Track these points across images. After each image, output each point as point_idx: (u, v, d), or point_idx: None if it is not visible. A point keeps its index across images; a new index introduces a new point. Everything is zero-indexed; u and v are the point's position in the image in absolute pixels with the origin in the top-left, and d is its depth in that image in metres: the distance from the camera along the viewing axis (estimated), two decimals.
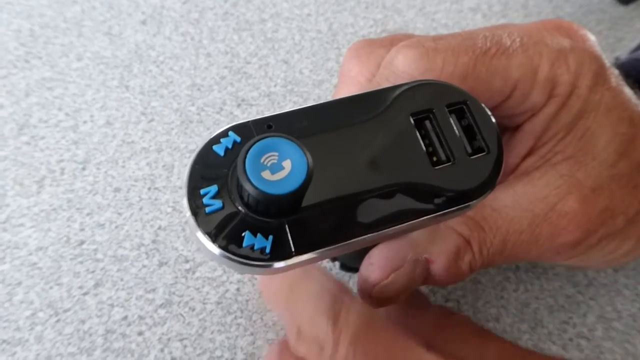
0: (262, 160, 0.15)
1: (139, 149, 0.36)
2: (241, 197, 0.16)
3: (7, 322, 0.29)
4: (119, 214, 0.33)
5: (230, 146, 0.17)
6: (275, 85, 0.40)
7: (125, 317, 0.30)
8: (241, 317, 0.30)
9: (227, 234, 0.16)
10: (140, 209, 0.34)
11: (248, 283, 0.31)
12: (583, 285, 0.32)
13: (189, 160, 0.17)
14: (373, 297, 0.23)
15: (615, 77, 0.25)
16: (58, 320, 0.30)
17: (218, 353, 0.29)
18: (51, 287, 0.31)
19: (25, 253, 0.32)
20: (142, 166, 0.35)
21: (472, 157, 0.18)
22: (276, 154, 0.15)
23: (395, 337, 0.22)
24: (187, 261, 0.32)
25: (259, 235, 0.16)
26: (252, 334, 0.30)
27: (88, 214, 0.33)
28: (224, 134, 0.17)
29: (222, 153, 0.17)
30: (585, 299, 0.32)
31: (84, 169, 0.35)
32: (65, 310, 0.30)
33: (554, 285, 0.32)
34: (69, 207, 0.33)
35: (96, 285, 0.31)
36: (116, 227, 0.33)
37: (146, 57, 0.41)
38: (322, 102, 0.19)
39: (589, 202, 0.23)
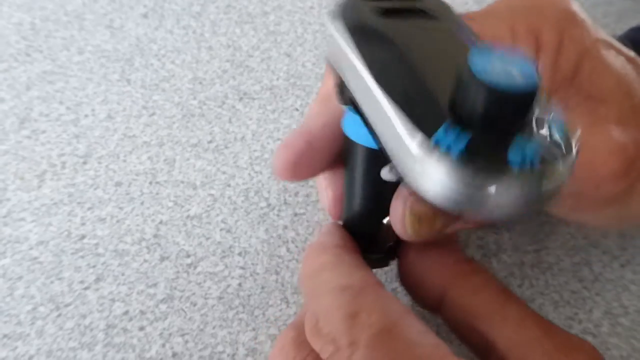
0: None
1: (140, 143, 0.36)
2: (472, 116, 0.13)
3: (8, 317, 0.29)
4: (120, 208, 0.33)
5: None
6: (277, 79, 0.40)
7: (126, 312, 0.30)
8: (243, 313, 0.30)
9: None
10: (142, 203, 0.33)
11: (250, 278, 0.31)
12: (589, 281, 0.32)
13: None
14: (410, 217, 0.20)
15: (594, 26, 0.24)
16: (59, 315, 0.30)
17: (220, 348, 0.29)
18: (52, 282, 0.31)
19: (26, 247, 0.32)
20: (144, 160, 0.35)
21: None
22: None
23: (421, 344, 0.19)
24: (188, 256, 0.32)
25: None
26: (254, 329, 0.29)
27: (89, 208, 0.33)
28: None
29: None
30: (591, 295, 0.32)
31: (85, 163, 0.35)
32: (66, 305, 0.30)
33: (559, 281, 0.32)
34: (70, 202, 0.33)
35: (97, 279, 0.31)
36: (117, 221, 0.33)
37: (148, 51, 0.40)
38: None
39: (619, 133, 0.22)
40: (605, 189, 0.23)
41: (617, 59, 0.24)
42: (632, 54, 0.25)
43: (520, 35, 0.22)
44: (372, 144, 0.20)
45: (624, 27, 0.46)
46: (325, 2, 0.45)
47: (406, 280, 0.25)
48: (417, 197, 0.19)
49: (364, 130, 0.18)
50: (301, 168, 0.24)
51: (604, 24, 0.46)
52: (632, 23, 0.46)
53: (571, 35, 0.23)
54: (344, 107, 0.21)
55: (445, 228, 0.21)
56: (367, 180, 0.22)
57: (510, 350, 0.20)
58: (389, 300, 0.20)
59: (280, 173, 0.24)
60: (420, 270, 0.23)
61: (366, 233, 0.24)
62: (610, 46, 0.24)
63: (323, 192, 0.26)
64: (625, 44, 0.26)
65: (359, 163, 0.22)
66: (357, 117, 0.19)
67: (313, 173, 0.25)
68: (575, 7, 0.24)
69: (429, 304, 0.24)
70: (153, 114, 0.37)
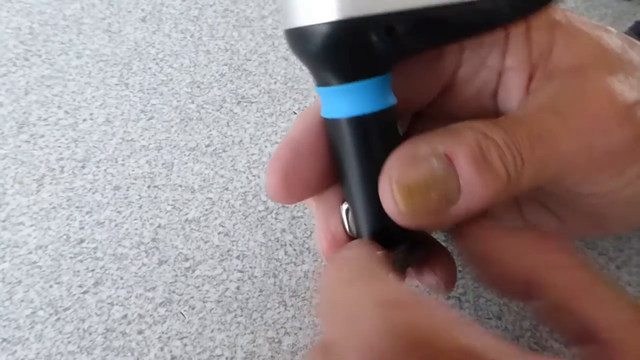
0: None
1: (139, 147, 0.36)
2: None
3: (7, 321, 0.29)
4: (119, 212, 0.33)
5: None
6: (275, 83, 0.40)
7: (125, 316, 0.30)
8: (241, 316, 0.30)
9: None
10: (140, 207, 0.34)
11: (248, 281, 0.31)
12: None
13: None
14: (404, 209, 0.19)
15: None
16: (58, 319, 0.30)
17: (218, 352, 0.29)
18: (51, 286, 0.31)
19: (25, 252, 0.32)
20: (142, 164, 0.35)
21: None
22: None
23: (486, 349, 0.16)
24: (186, 259, 0.32)
25: None
26: (252, 332, 0.29)
27: (88, 213, 0.33)
28: None
29: None
30: None
31: (83, 167, 0.35)
32: (65, 309, 0.30)
33: None
34: (69, 206, 0.33)
35: (96, 283, 0.31)
36: (116, 225, 0.33)
37: (146, 55, 0.41)
38: None
39: (611, 81, 0.21)
40: (614, 135, 0.21)
41: (588, 24, 0.24)
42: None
43: None
44: (355, 112, 0.20)
45: (620, 30, 0.46)
46: None
47: (483, 268, 0.22)
48: (403, 166, 0.19)
49: (344, 100, 0.19)
50: (293, 180, 0.22)
51: None
52: (628, 25, 0.46)
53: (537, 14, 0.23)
54: (321, 91, 0.20)
55: (444, 204, 0.20)
56: (361, 160, 0.21)
57: (612, 332, 0.18)
58: (437, 310, 0.17)
59: (274, 192, 0.22)
60: (500, 255, 0.21)
61: (379, 225, 0.22)
62: (577, 17, 0.24)
63: (318, 231, 0.24)
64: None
65: (348, 143, 0.20)
66: (337, 90, 0.19)
67: (306, 186, 0.23)
68: None
69: (514, 289, 0.22)
70: (151, 117, 0.37)
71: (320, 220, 0.24)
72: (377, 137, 0.20)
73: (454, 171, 0.19)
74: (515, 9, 0.19)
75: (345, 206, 0.23)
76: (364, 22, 0.17)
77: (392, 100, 0.20)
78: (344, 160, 0.21)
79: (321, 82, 0.20)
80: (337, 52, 0.18)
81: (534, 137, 0.20)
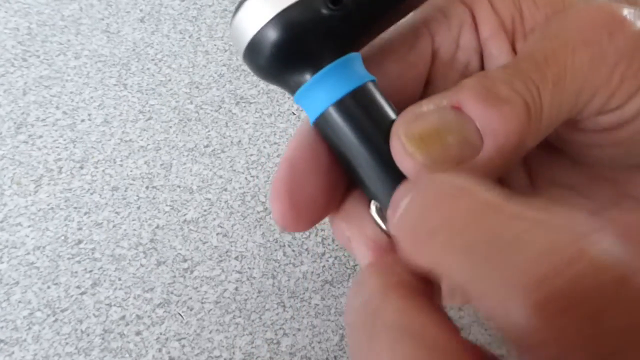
0: None
1: (137, 148, 0.36)
2: None
3: (4, 322, 0.29)
4: (117, 213, 0.33)
5: None
6: None
7: (123, 317, 0.30)
8: (239, 317, 0.30)
9: None
10: (138, 207, 0.34)
11: (246, 282, 0.31)
12: None
13: None
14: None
15: None
16: (56, 320, 0.30)
17: (216, 353, 0.29)
18: (49, 287, 0.31)
19: (23, 252, 0.32)
20: (140, 165, 0.35)
21: None
22: None
23: None
24: (185, 260, 0.32)
25: None
26: (250, 333, 0.29)
27: (86, 213, 0.33)
28: None
29: None
30: None
31: (81, 167, 0.35)
32: (63, 310, 0.30)
33: None
34: (67, 206, 0.33)
35: (94, 284, 0.31)
36: (114, 226, 0.33)
37: (144, 55, 0.40)
38: None
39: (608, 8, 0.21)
40: (622, 41, 0.20)
41: None
42: None
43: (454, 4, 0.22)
44: (334, 97, 0.19)
45: None
46: None
47: None
48: (408, 118, 0.18)
49: (320, 91, 0.19)
50: (300, 201, 0.21)
51: None
52: None
53: None
54: (297, 97, 0.20)
55: (468, 150, 0.18)
56: (366, 143, 0.19)
57: None
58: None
59: (283, 217, 0.20)
60: None
61: None
62: None
63: (357, 248, 0.21)
64: None
65: (345, 132, 0.19)
66: (309, 85, 0.19)
67: (315, 205, 0.21)
68: None
69: None
70: (150, 118, 0.37)
71: (354, 234, 0.21)
72: (370, 113, 0.19)
73: (467, 117, 0.18)
74: None
75: (373, 206, 0.22)
76: (307, 2, 0.17)
77: (369, 76, 0.19)
78: (350, 155, 0.20)
79: (293, 87, 0.19)
80: (293, 41, 0.18)
81: (540, 62, 0.19)
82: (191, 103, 0.38)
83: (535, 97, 0.19)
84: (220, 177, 0.35)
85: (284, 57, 0.18)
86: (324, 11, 0.17)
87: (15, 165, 0.35)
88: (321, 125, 0.19)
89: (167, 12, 0.43)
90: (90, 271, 0.31)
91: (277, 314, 0.30)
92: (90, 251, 0.32)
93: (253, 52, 0.18)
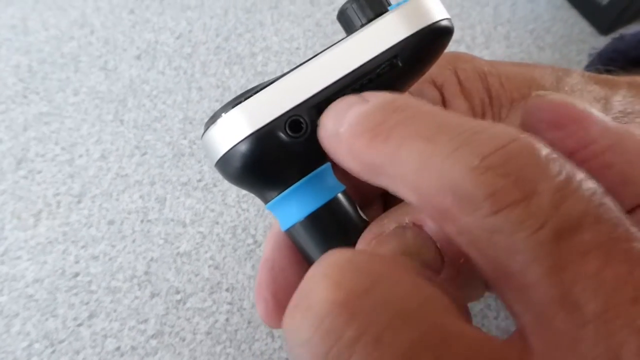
0: None
1: (133, 182, 0.37)
2: None
3: (4, 353, 0.31)
4: (113, 246, 0.35)
5: None
6: None
7: (118, 348, 0.31)
8: (230, 347, 0.31)
9: None
10: (133, 241, 0.35)
11: (237, 313, 0.32)
12: None
13: None
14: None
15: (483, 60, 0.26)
16: (54, 351, 0.31)
17: None
18: (47, 319, 0.32)
19: (23, 285, 0.33)
20: (135, 199, 0.37)
21: None
22: None
23: None
24: (178, 292, 0.33)
25: None
26: None
27: (83, 247, 0.35)
28: None
29: None
30: None
31: (79, 202, 0.36)
32: (61, 341, 0.31)
33: None
34: (65, 240, 0.35)
35: (90, 316, 0.32)
36: (110, 259, 0.34)
37: (140, 92, 0.42)
38: None
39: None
40: None
41: (517, 64, 0.25)
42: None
43: (424, 82, 0.24)
44: (304, 212, 0.19)
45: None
46: (310, 42, 0.47)
47: None
48: (370, 241, 0.18)
49: (290, 206, 0.19)
50: (283, 300, 0.21)
51: (577, 62, 0.48)
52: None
53: (464, 68, 0.24)
54: (269, 207, 0.20)
55: (430, 271, 0.17)
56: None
57: None
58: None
59: (268, 316, 0.21)
60: None
61: None
62: (503, 62, 0.26)
63: None
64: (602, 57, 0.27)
65: (311, 245, 0.20)
66: (279, 200, 0.19)
67: None
68: (461, 53, 0.26)
69: None
70: (145, 153, 0.39)
71: None
72: (338, 226, 0.20)
73: (427, 238, 0.18)
74: (407, 64, 0.19)
75: None
76: (268, 130, 0.18)
77: (338, 187, 0.20)
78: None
79: (266, 198, 0.20)
80: (258, 165, 0.18)
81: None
82: (185, 138, 0.40)
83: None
84: (212, 210, 0.36)
85: (253, 174, 0.19)
86: (285, 137, 0.18)
87: (15, 200, 0.36)
88: (291, 235, 0.20)
89: (163, 50, 0.45)
90: (87, 303, 0.33)
91: (266, 344, 0.31)
92: (87, 283, 0.33)
93: (223, 166, 0.19)
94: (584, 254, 0.12)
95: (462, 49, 0.48)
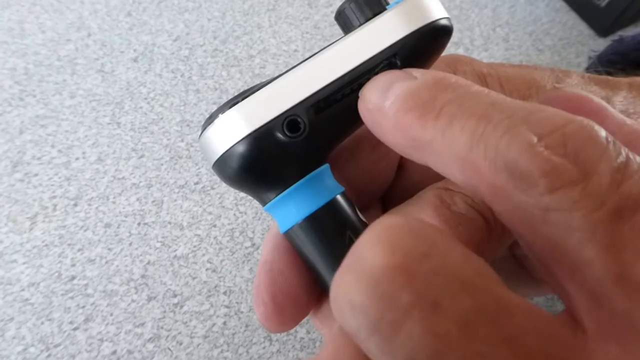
0: None
1: (129, 185, 0.37)
2: None
3: None
4: (109, 249, 0.34)
5: None
6: None
7: (114, 352, 0.31)
8: (227, 351, 0.31)
9: None
10: (130, 244, 0.35)
11: (234, 317, 0.32)
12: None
13: None
14: None
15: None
16: (49, 356, 0.30)
17: None
18: (42, 323, 0.32)
19: (18, 289, 0.33)
20: (132, 202, 0.36)
21: None
22: None
23: None
24: (175, 295, 0.33)
25: None
26: None
27: (79, 250, 0.34)
28: None
29: None
30: None
31: (75, 205, 0.36)
32: (56, 346, 0.31)
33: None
34: (61, 243, 0.34)
35: (86, 320, 0.32)
36: (106, 262, 0.34)
37: (137, 94, 0.42)
38: None
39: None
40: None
41: (515, 66, 0.25)
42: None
43: None
44: (302, 214, 0.19)
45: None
46: (308, 44, 0.46)
47: None
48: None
49: (288, 208, 0.19)
50: (281, 302, 0.21)
51: (576, 64, 0.48)
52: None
53: (464, 70, 0.24)
54: (267, 209, 0.20)
55: None
56: (331, 257, 0.19)
57: None
58: None
59: (268, 319, 0.21)
60: None
61: None
62: (501, 63, 0.25)
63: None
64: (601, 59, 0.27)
65: (311, 247, 0.20)
66: (277, 201, 0.19)
67: (297, 303, 0.21)
68: (460, 56, 0.25)
69: None
70: (142, 156, 0.39)
71: (325, 334, 0.22)
72: (337, 228, 0.19)
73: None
74: (405, 63, 0.18)
75: None
76: (265, 130, 0.18)
77: (337, 189, 0.20)
78: (318, 265, 0.20)
79: (263, 200, 0.20)
80: (256, 166, 0.18)
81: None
82: (182, 141, 0.40)
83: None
84: (210, 213, 0.36)
85: (250, 176, 0.18)
86: (282, 137, 0.18)
87: (11, 203, 0.36)
88: (290, 237, 0.20)
89: (160, 52, 0.45)
90: (83, 307, 0.32)
91: (264, 347, 0.31)
92: (83, 287, 0.33)
93: (221, 168, 0.19)
94: None
95: (460, 51, 0.48)
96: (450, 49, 0.48)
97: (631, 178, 0.12)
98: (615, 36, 0.38)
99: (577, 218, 0.12)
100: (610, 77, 0.26)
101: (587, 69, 0.39)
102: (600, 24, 0.50)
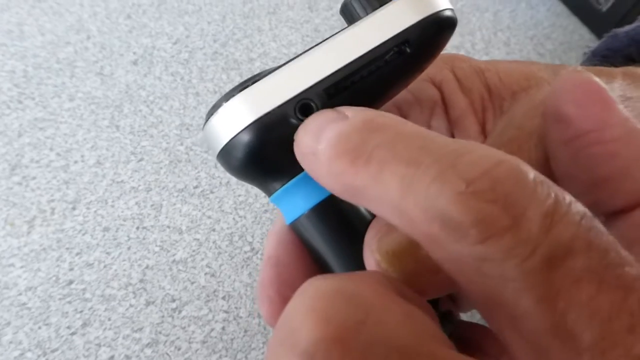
0: None
1: (128, 189, 0.37)
2: None
3: None
4: (108, 253, 0.34)
5: None
6: None
7: (112, 357, 0.30)
8: (226, 356, 0.31)
9: None
10: (129, 248, 0.34)
11: (233, 322, 0.32)
12: None
13: None
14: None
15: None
16: None
17: None
18: (40, 327, 0.31)
19: (15, 293, 0.32)
20: (131, 205, 0.36)
21: None
22: None
23: None
24: (173, 300, 0.32)
25: None
26: None
27: (77, 254, 0.34)
28: None
29: None
30: None
31: (74, 208, 0.36)
32: (53, 350, 0.31)
33: None
34: (59, 247, 0.34)
35: (84, 325, 0.31)
36: (105, 266, 0.34)
37: (137, 97, 0.42)
38: None
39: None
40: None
41: (513, 62, 0.25)
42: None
43: (423, 81, 0.24)
44: (309, 204, 0.19)
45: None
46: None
47: None
48: (379, 233, 0.18)
49: (295, 197, 0.19)
50: (287, 297, 0.21)
51: None
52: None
53: (461, 67, 0.24)
54: (273, 199, 0.20)
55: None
56: (339, 247, 0.20)
57: None
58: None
59: (272, 316, 0.20)
60: None
61: None
62: (500, 60, 0.25)
63: None
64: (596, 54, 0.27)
65: (318, 237, 0.19)
66: (284, 190, 0.19)
67: None
68: (457, 54, 0.25)
69: None
70: (141, 159, 0.38)
71: None
72: (345, 218, 0.19)
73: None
74: (415, 50, 0.18)
75: None
76: (277, 114, 0.17)
77: None
78: (326, 256, 0.20)
79: (269, 190, 0.20)
80: (264, 154, 0.18)
81: None
82: (181, 144, 0.39)
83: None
84: (209, 217, 0.36)
85: (257, 164, 0.18)
86: (294, 121, 0.17)
87: (8, 207, 0.35)
88: (296, 228, 0.20)
89: (160, 55, 0.45)
90: (81, 311, 0.32)
91: (263, 353, 0.31)
92: (81, 291, 0.33)
93: (226, 157, 0.18)
94: (576, 281, 0.11)
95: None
96: (451, 52, 0.47)
97: (560, 222, 0.12)
98: (610, 32, 0.38)
99: (509, 268, 0.12)
100: (604, 67, 0.26)
101: (582, 65, 0.39)
102: (602, 28, 0.50)
